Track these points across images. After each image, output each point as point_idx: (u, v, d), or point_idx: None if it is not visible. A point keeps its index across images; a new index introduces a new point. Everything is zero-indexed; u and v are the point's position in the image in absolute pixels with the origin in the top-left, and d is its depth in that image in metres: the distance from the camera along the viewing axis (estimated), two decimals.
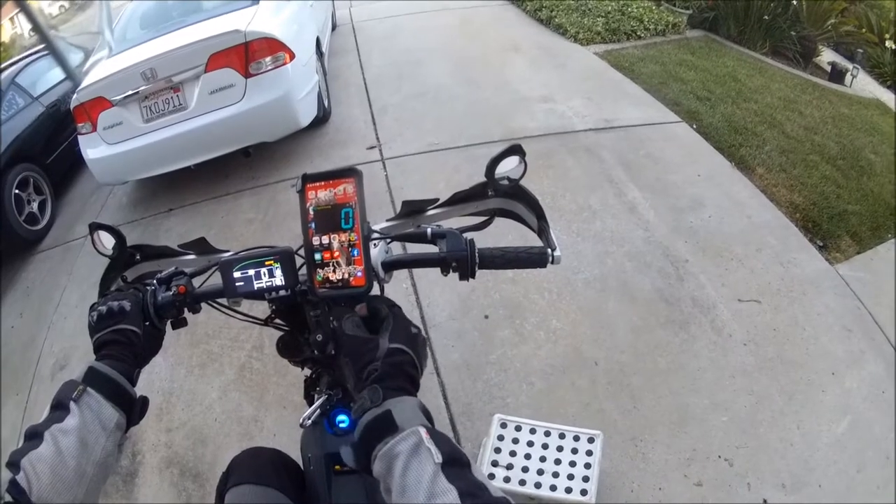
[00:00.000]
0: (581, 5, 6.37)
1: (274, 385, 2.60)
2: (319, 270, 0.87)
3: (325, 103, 4.62)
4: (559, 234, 3.08)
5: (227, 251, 1.07)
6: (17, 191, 4.22)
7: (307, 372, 1.10)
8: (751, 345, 2.50)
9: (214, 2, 4.40)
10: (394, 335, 0.77)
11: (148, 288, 0.95)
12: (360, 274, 0.85)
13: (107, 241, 1.06)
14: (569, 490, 1.73)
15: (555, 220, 3.18)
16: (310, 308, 0.94)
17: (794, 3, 5.91)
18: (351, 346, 0.79)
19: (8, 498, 0.66)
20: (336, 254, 0.86)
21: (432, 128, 4.35)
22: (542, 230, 0.95)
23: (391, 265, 0.95)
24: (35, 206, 4.42)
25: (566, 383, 2.38)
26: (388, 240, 0.97)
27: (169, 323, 0.97)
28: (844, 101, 4.99)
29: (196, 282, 1.00)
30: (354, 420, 0.72)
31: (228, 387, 2.66)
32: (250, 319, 1.06)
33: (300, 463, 1.11)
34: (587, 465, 1.78)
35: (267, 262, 0.89)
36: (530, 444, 1.87)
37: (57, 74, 5.48)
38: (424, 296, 2.86)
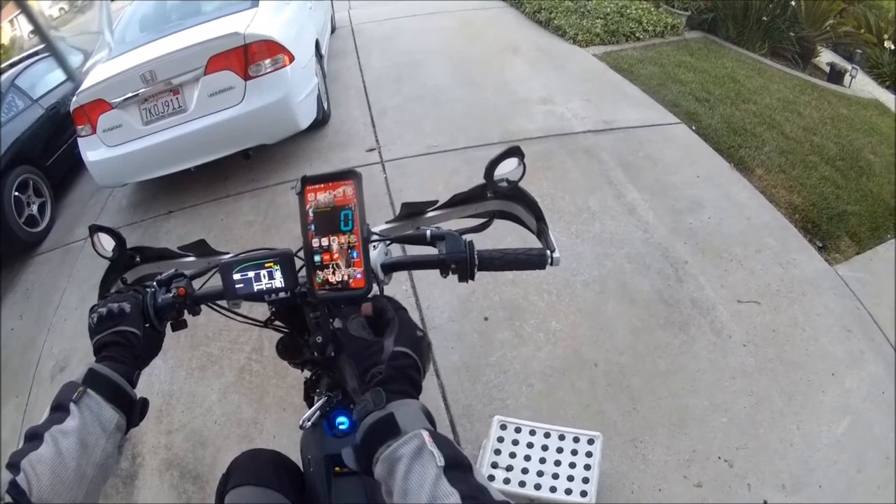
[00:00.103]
0: (580, 7, 6.38)
1: (274, 387, 2.60)
2: (319, 272, 0.87)
3: (325, 105, 4.62)
4: (558, 236, 3.07)
5: (227, 253, 1.07)
6: (16, 193, 4.22)
7: (307, 374, 1.10)
8: (750, 346, 2.50)
9: (214, 4, 4.41)
10: (399, 338, 0.77)
11: (148, 290, 0.95)
12: (359, 276, 0.85)
13: (107, 243, 1.06)
14: (568, 491, 1.73)
15: (554, 222, 3.18)
16: (309, 310, 0.94)
17: (793, 3, 5.92)
18: (355, 348, 0.78)
19: (8, 499, 0.66)
20: (335, 256, 0.86)
21: (431, 130, 4.36)
22: (542, 232, 0.95)
23: (391, 267, 0.95)
24: (35, 208, 4.42)
25: (566, 385, 2.38)
26: (388, 242, 0.97)
27: (169, 325, 0.98)
28: (843, 102, 5.00)
29: (196, 284, 1.00)
30: (355, 422, 0.72)
31: (228, 389, 2.66)
32: (250, 321, 1.06)
33: (300, 465, 1.11)
34: (587, 467, 1.78)
35: (266, 264, 0.90)
36: (530, 445, 1.87)
37: (57, 77, 5.49)
38: (424, 297, 2.86)
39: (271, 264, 0.89)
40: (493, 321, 2.71)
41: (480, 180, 0.94)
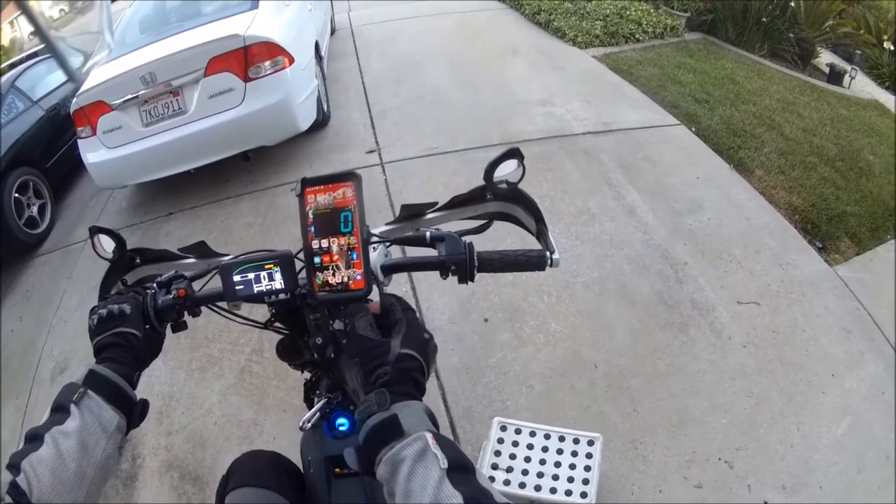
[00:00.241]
0: (579, 9, 6.38)
1: (274, 388, 2.60)
2: (319, 274, 0.87)
3: (325, 107, 4.63)
4: (558, 238, 3.08)
5: (227, 255, 1.07)
6: (16, 194, 4.22)
7: (307, 375, 1.10)
8: (750, 347, 2.50)
9: (214, 6, 4.41)
10: (406, 340, 0.77)
11: (148, 291, 0.95)
12: (359, 277, 0.86)
13: (107, 244, 1.06)
14: (569, 493, 1.73)
15: (553, 224, 3.19)
16: (309, 311, 0.94)
17: (792, 4, 5.92)
18: (362, 347, 0.78)
19: (8, 500, 0.66)
20: (335, 257, 0.86)
21: (431, 131, 4.36)
22: (541, 233, 0.95)
23: (390, 268, 0.95)
24: (35, 209, 4.42)
25: (566, 386, 2.38)
26: (388, 243, 0.97)
27: (169, 326, 0.98)
28: (843, 103, 5.00)
29: (196, 285, 1.00)
30: (357, 422, 0.72)
31: (228, 390, 2.66)
32: (250, 323, 1.06)
33: (300, 466, 1.11)
34: (587, 468, 1.78)
35: (266, 266, 0.90)
36: (530, 446, 1.87)
37: (57, 78, 5.49)
38: (424, 299, 2.86)
39: (271, 266, 0.89)
40: (493, 323, 2.71)
41: (480, 182, 0.94)
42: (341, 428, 1.00)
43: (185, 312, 0.98)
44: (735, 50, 5.91)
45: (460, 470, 0.62)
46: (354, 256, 0.85)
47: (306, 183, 0.87)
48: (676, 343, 2.53)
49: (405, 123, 4.56)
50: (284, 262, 0.90)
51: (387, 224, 1.04)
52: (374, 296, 0.92)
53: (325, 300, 0.89)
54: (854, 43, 6.43)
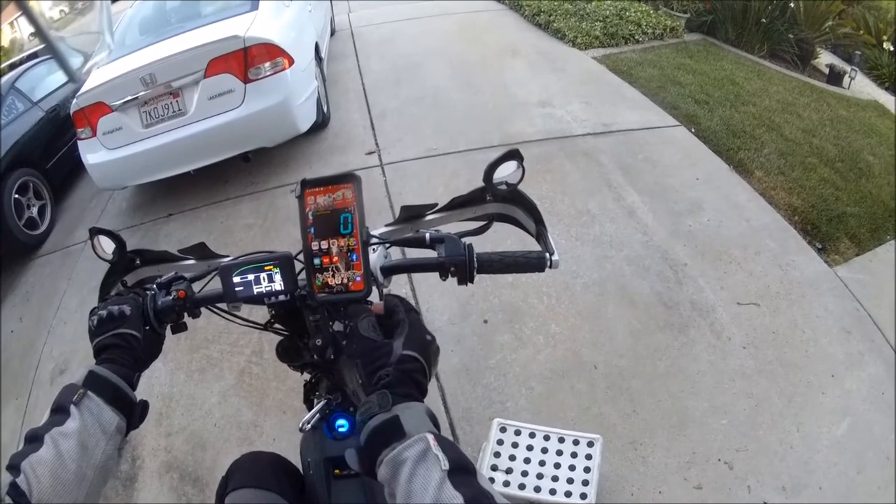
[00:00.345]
0: (579, 10, 6.39)
1: (273, 390, 2.60)
2: (318, 275, 0.87)
3: (324, 108, 4.63)
4: (558, 239, 3.08)
5: (227, 256, 1.07)
6: (16, 195, 4.23)
7: (307, 376, 1.10)
8: (750, 348, 2.50)
9: (214, 7, 4.42)
10: (408, 341, 0.77)
11: (148, 292, 0.95)
12: (358, 279, 0.86)
13: (107, 245, 1.06)
14: (568, 494, 1.73)
15: (553, 225, 3.19)
16: (309, 313, 0.94)
17: (792, 5, 5.93)
18: (364, 348, 0.78)
19: (8, 500, 0.67)
20: (335, 259, 0.86)
21: (431, 133, 4.36)
22: (541, 235, 0.95)
23: (390, 270, 0.96)
24: (35, 210, 4.43)
25: (565, 387, 2.39)
26: (387, 245, 0.98)
27: (169, 327, 0.98)
28: (842, 104, 5.00)
29: (196, 286, 1.00)
30: (358, 423, 0.72)
31: (228, 391, 2.66)
32: (250, 324, 1.06)
33: (300, 467, 1.11)
34: (587, 469, 1.78)
35: (266, 267, 0.90)
36: (530, 448, 1.87)
37: (57, 79, 5.50)
38: (424, 300, 2.86)
39: (271, 267, 0.90)
40: (493, 324, 2.71)
41: (480, 183, 0.94)
42: (341, 429, 1.00)
43: (185, 314, 0.98)
44: (735, 51, 5.92)
45: (461, 471, 0.62)
46: (354, 258, 0.85)
47: (306, 184, 0.87)
48: (676, 344, 2.53)
49: (405, 125, 4.56)
50: (284, 263, 0.90)
51: (386, 225, 1.04)
52: (377, 297, 0.92)
53: (324, 301, 0.89)
54: (854, 43, 6.43)
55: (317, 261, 0.87)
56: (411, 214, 1.03)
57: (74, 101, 3.86)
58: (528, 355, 2.54)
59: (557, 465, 1.80)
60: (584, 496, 1.72)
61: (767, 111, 4.44)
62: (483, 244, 0.93)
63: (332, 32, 7.01)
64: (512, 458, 1.84)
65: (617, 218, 3.26)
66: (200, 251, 1.11)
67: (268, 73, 3.73)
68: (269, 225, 3.69)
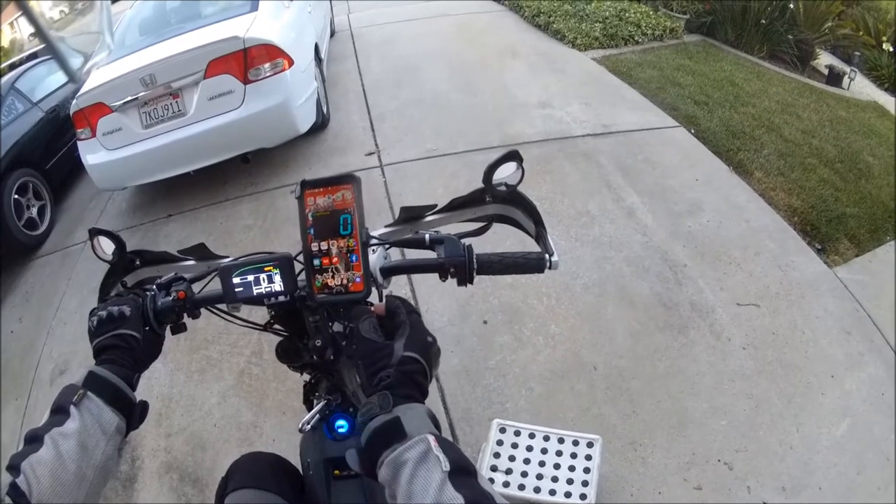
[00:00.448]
0: (579, 11, 6.39)
1: (273, 390, 2.60)
2: (318, 276, 0.87)
3: (324, 109, 4.63)
4: (557, 240, 3.08)
5: (227, 257, 1.07)
6: (16, 196, 4.22)
7: (306, 377, 1.10)
8: (750, 348, 2.50)
9: (214, 8, 4.42)
10: (409, 343, 0.77)
11: (148, 293, 0.95)
12: (358, 279, 0.86)
13: (106, 246, 1.07)
14: (568, 494, 1.73)
15: (553, 226, 3.19)
16: (309, 313, 0.94)
17: (791, 6, 5.93)
18: (365, 349, 0.78)
19: (8, 501, 0.67)
20: (335, 259, 0.86)
21: (430, 134, 4.36)
22: (540, 236, 0.95)
23: (390, 271, 0.96)
24: (34, 211, 4.42)
25: (565, 388, 2.39)
26: (387, 246, 0.98)
27: (168, 328, 0.98)
28: (842, 104, 5.01)
29: (195, 287, 1.00)
30: (358, 424, 0.72)
31: (228, 392, 2.66)
32: (249, 325, 1.06)
33: (299, 468, 1.11)
34: (586, 470, 1.78)
35: (266, 268, 0.90)
36: (529, 448, 1.87)
37: (56, 80, 5.50)
38: (423, 301, 2.86)
39: (271, 268, 0.90)
40: (493, 325, 2.71)
41: (479, 184, 0.94)
42: (341, 430, 1.00)
43: (185, 314, 0.98)
44: (734, 52, 5.92)
45: (462, 472, 0.62)
46: (354, 259, 0.86)
47: (306, 185, 0.87)
48: (676, 345, 2.53)
49: (405, 126, 4.57)
50: (284, 264, 0.90)
51: (386, 226, 1.04)
52: (377, 298, 0.92)
53: (324, 302, 0.89)
54: (853, 44, 6.44)
55: (316, 262, 0.87)
56: (411, 215, 1.03)
57: (74, 101, 3.86)
58: (528, 356, 2.54)
59: (557, 466, 1.80)
60: (583, 497, 1.72)
61: (767, 112, 4.44)
62: (483, 245, 0.93)
63: (332, 33, 7.01)
64: (511, 458, 1.84)
65: (616, 219, 3.26)
66: (200, 252, 1.11)
67: (268, 74, 3.73)
68: (268, 226, 3.69)
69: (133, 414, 0.85)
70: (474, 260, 0.90)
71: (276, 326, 1.03)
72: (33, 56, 6.14)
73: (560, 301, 2.78)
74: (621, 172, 3.65)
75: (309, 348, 0.96)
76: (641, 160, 3.78)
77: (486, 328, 2.69)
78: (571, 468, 1.79)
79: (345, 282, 0.86)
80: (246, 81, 3.70)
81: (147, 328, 0.92)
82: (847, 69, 5.76)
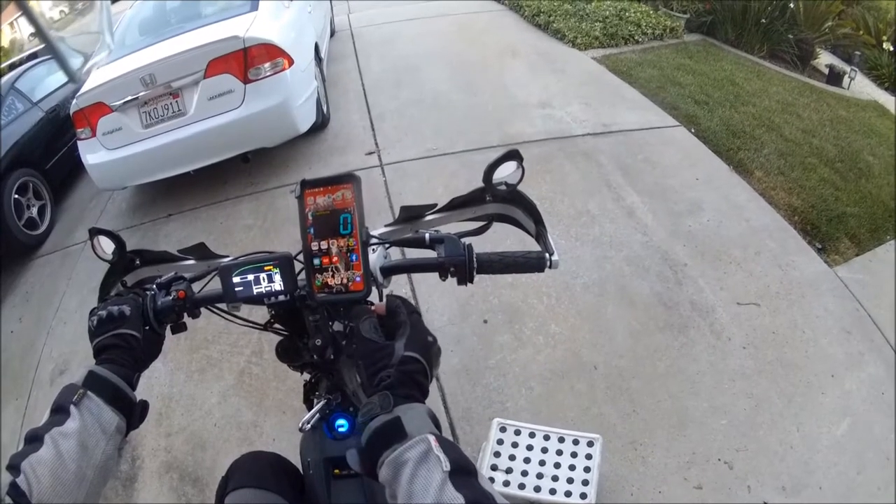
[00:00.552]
0: (579, 10, 6.39)
1: (273, 390, 2.60)
2: (318, 275, 0.87)
3: (324, 109, 4.63)
4: (557, 239, 3.08)
5: (227, 256, 1.07)
6: (16, 196, 4.22)
7: (306, 376, 1.10)
8: (750, 348, 2.50)
9: (213, 8, 4.42)
10: (409, 342, 0.77)
11: (148, 293, 0.95)
12: (358, 279, 0.86)
13: (106, 246, 1.07)
14: (568, 494, 1.73)
15: (553, 225, 3.19)
16: (309, 313, 0.94)
17: (792, 5, 5.93)
18: (366, 349, 0.78)
19: (8, 500, 0.67)
20: (335, 259, 0.86)
21: (431, 133, 4.36)
22: (540, 235, 0.95)
23: (390, 270, 0.96)
24: (34, 211, 4.42)
25: (565, 387, 2.39)
26: (387, 245, 0.98)
27: (168, 327, 0.98)
28: (842, 104, 5.01)
29: (195, 287, 1.00)
30: (358, 424, 0.72)
31: (228, 392, 2.66)
32: (249, 324, 1.06)
33: (299, 467, 1.11)
34: (587, 469, 1.78)
35: (266, 268, 0.90)
36: (530, 448, 1.87)
37: (57, 79, 5.50)
38: (423, 301, 2.86)
39: (271, 267, 0.90)
40: (493, 324, 2.71)
41: (479, 184, 0.94)
42: (341, 429, 1.00)
43: (185, 314, 0.98)
44: (734, 51, 5.92)
45: (463, 472, 0.62)
46: (354, 258, 0.85)
47: (306, 185, 0.87)
48: (676, 344, 2.53)
49: (405, 125, 4.56)
50: (284, 263, 0.90)
51: (386, 226, 1.04)
52: (377, 297, 0.92)
53: (324, 302, 0.89)
54: (853, 44, 6.44)
55: (316, 261, 0.87)
56: (411, 215, 1.03)
57: (74, 101, 3.86)
58: (528, 355, 2.54)
59: (557, 465, 1.80)
60: (583, 496, 1.72)
61: (767, 111, 4.44)
62: (483, 244, 0.93)
63: (332, 33, 7.01)
64: (512, 457, 1.84)
65: (617, 218, 3.26)
66: (200, 251, 1.11)
67: (268, 74, 3.73)
68: (268, 225, 3.69)
69: (133, 413, 0.85)
70: (474, 259, 0.90)
71: (277, 326, 1.03)
72: (33, 56, 6.14)
73: (560, 300, 2.78)
74: (621, 172, 3.65)
75: (309, 348, 0.96)
76: (641, 159, 3.78)
77: (487, 327, 2.69)
78: (572, 467, 1.79)
79: (345, 281, 0.86)
80: (246, 81, 3.70)
81: (147, 328, 0.92)
82: (847, 68, 5.76)
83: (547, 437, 1.88)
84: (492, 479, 1.79)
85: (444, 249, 0.90)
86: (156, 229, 4.01)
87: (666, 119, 4.26)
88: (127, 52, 4.13)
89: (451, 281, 0.91)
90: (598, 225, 3.22)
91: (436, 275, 0.91)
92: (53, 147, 4.88)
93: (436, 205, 1.03)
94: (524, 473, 1.80)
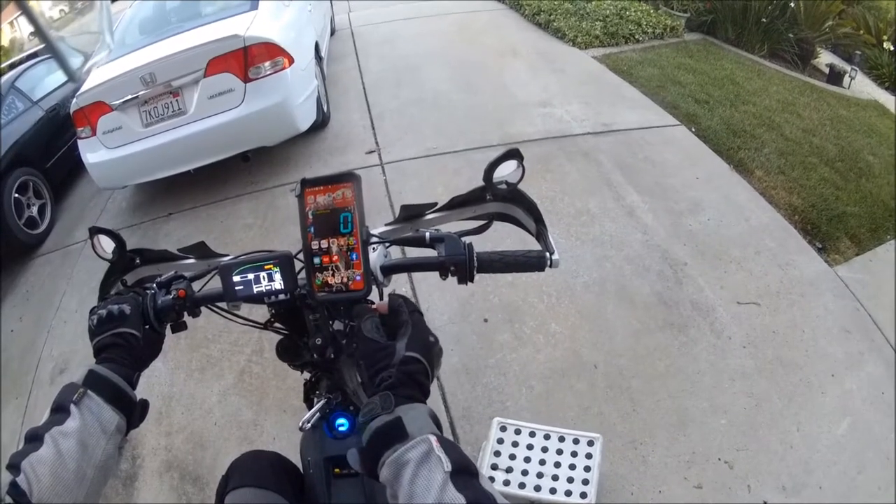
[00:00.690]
0: (579, 9, 6.38)
1: (273, 389, 2.60)
2: (318, 274, 0.87)
3: (324, 108, 4.63)
4: (558, 238, 3.08)
5: (227, 255, 1.07)
6: (16, 195, 4.22)
7: (307, 375, 1.10)
8: (750, 347, 2.50)
9: (214, 6, 4.41)
10: (411, 342, 0.77)
11: (148, 292, 0.95)
12: (358, 278, 0.86)
13: (107, 245, 1.07)
14: (568, 493, 1.73)
15: (553, 224, 3.19)
16: (309, 312, 0.94)
17: (792, 5, 5.93)
18: (367, 349, 0.78)
19: (8, 500, 0.67)
20: (335, 258, 0.86)
21: (431, 132, 4.36)
22: (541, 234, 0.95)
23: (390, 269, 0.96)
24: (35, 210, 4.42)
25: (565, 387, 2.38)
26: (387, 244, 0.97)
27: (169, 326, 0.98)
28: (843, 103, 5.00)
29: (196, 286, 1.00)
30: (360, 423, 0.72)
31: (228, 391, 2.66)
32: (250, 323, 1.06)
33: (300, 466, 1.11)
34: (587, 468, 1.78)
35: (266, 266, 0.90)
36: (530, 447, 1.87)
37: (57, 79, 5.48)
38: (424, 300, 2.86)
39: (271, 266, 0.90)
40: (493, 323, 2.71)
41: (480, 182, 0.94)
42: (341, 428, 1.00)
43: (185, 313, 0.98)
44: (735, 50, 5.92)
45: (464, 473, 0.62)
46: (354, 257, 0.85)
47: (306, 184, 0.87)
48: (676, 344, 2.53)
49: (405, 124, 4.56)
50: (284, 262, 0.90)
51: (386, 225, 1.04)
52: (377, 296, 0.92)
53: (324, 301, 0.89)
54: (854, 43, 6.44)
55: (317, 260, 0.87)
56: (411, 213, 1.03)
57: (74, 100, 3.86)
58: (528, 354, 2.54)
59: (557, 465, 1.80)
60: (584, 495, 1.72)
61: (767, 111, 4.44)
62: (483, 243, 0.93)
63: (332, 32, 7.01)
64: (512, 457, 1.84)
65: (617, 217, 3.26)
66: (200, 250, 1.11)
67: (268, 73, 3.73)
68: (268, 224, 3.69)
69: (133, 412, 0.85)
70: (475, 258, 0.89)
71: (277, 325, 1.03)
72: (33, 55, 6.13)
73: (560, 299, 2.78)
74: (621, 171, 3.65)
75: (309, 347, 0.96)
76: (642, 159, 3.78)
77: (487, 326, 2.69)
78: (572, 467, 1.79)
79: (345, 280, 0.86)
80: (246, 80, 3.70)
81: (147, 327, 0.92)
82: (848, 68, 5.75)
83: (547, 437, 1.88)
84: (492, 479, 1.78)
85: (445, 248, 0.90)
86: (156, 228, 4.01)
87: (666, 118, 4.25)
88: (127, 51, 4.13)
89: (452, 280, 0.90)
90: (599, 224, 3.22)
91: (436, 274, 0.91)
92: (53, 146, 4.87)
93: (436, 204, 1.03)
94: (524, 473, 1.80)
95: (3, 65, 6.73)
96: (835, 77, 5.75)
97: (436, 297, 2.87)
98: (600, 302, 2.76)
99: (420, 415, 0.70)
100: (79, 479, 0.73)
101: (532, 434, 1.90)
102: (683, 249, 3.01)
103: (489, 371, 2.48)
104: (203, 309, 0.99)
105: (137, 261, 1.14)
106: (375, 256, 0.93)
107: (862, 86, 5.79)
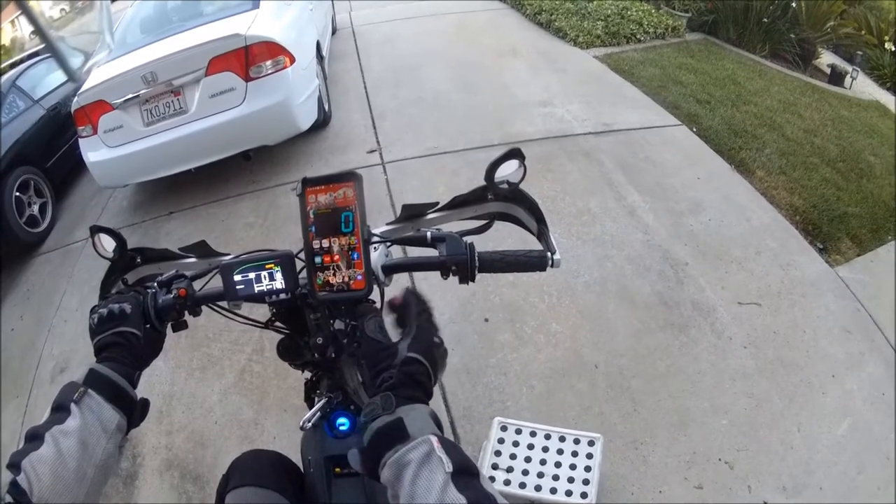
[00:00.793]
0: (581, 9, 6.38)
1: (274, 388, 2.60)
2: (319, 274, 0.87)
3: (326, 107, 4.63)
4: (559, 238, 3.08)
5: (228, 254, 1.07)
6: (17, 193, 4.22)
7: (307, 375, 1.10)
8: (751, 347, 2.50)
9: (215, 6, 4.41)
10: (414, 343, 0.77)
11: (148, 291, 0.95)
12: (360, 277, 0.86)
13: (107, 244, 1.07)
14: (569, 493, 1.72)
15: (554, 224, 3.18)
16: (310, 311, 0.94)
17: (794, 5, 5.92)
18: (370, 349, 0.78)
19: (9, 499, 0.67)
20: (336, 257, 0.86)
21: (432, 132, 4.36)
22: (542, 234, 0.95)
23: (391, 269, 0.95)
24: (35, 208, 4.42)
25: (566, 386, 2.38)
26: (388, 243, 0.97)
27: (169, 325, 0.98)
28: (844, 104, 5.00)
29: (196, 285, 1.00)
30: (361, 423, 0.72)
31: (229, 390, 2.66)
32: (250, 322, 1.06)
33: (300, 465, 1.11)
34: (587, 468, 1.78)
35: (267, 266, 0.90)
36: (530, 447, 1.86)
37: (57, 77, 5.48)
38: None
39: (272, 265, 0.90)
40: (494, 323, 2.70)
41: (481, 182, 0.94)
42: (342, 428, 1.00)
43: (186, 312, 0.98)
44: (736, 50, 5.91)
45: (465, 474, 0.62)
46: (355, 256, 0.85)
47: (307, 183, 0.87)
48: (677, 344, 2.53)
49: (406, 124, 4.56)
50: (285, 261, 0.90)
51: (388, 224, 1.04)
52: (391, 293, 0.92)
53: (325, 300, 0.89)
54: (855, 44, 6.44)
55: (318, 259, 0.87)
56: (412, 213, 1.03)
57: (75, 99, 3.86)
58: (529, 354, 2.54)
59: (558, 465, 1.80)
60: (584, 495, 1.71)
61: (769, 111, 4.43)
62: (484, 243, 0.93)
63: (334, 31, 7.00)
64: (512, 457, 1.84)
65: (618, 217, 3.26)
66: (201, 249, 1.11)
67: (269, 72, 3.73)
68: (270, 223, 3.69)
69: (134, 411, 0.85)
70: (476, 258, 0.89)
71: (278, 324, 1.03)
72: (34, 54, 6.13)
73: (561, 299, 2.78)
74: (622, 171, 3.65)
75: (310, 346, 0.96)
76: (643, 159, 3.77)
77: (488, 326, 2.69)
78: (572, 467, 1.79)
79: (346, 279, 0.86)
80: (247, 79, 3.70)
81: (148, 326, 0.92)
82: (849, 68, 5.75)
83: (548, 437, 1.88)
84: (492, 479, 1.78)
85: (446, 248, 0.90)
86: (157, 227, 4.01)
87: (667, 118, 4.25)
88: (128, 50, 4.13)
89: (453, 279, 0.90)
90: (600, 224, 3.21)
91: (437, 273, 0.91)
92: (54, 145, 4.88)
93: (437, 203, 1.03)
94: (525, 473, 1.79)
95: (4, 64, 6.74)
96: (836, 77, 5.75)
97: (437, 296, 2.86)
98: (601, 302, 2.76)
99: (421, 415, 0.70)
100: (79, 478, 0.72)
101: (533, 434, 1.90)
102: (684, 249, 3.01)
103: (490, 371, 2.48)
104: (204, 308, 0.99)
105: (138, 260, 1.14)
106: (377, 256, 0.93)
107: (863, 86, 5.79)
